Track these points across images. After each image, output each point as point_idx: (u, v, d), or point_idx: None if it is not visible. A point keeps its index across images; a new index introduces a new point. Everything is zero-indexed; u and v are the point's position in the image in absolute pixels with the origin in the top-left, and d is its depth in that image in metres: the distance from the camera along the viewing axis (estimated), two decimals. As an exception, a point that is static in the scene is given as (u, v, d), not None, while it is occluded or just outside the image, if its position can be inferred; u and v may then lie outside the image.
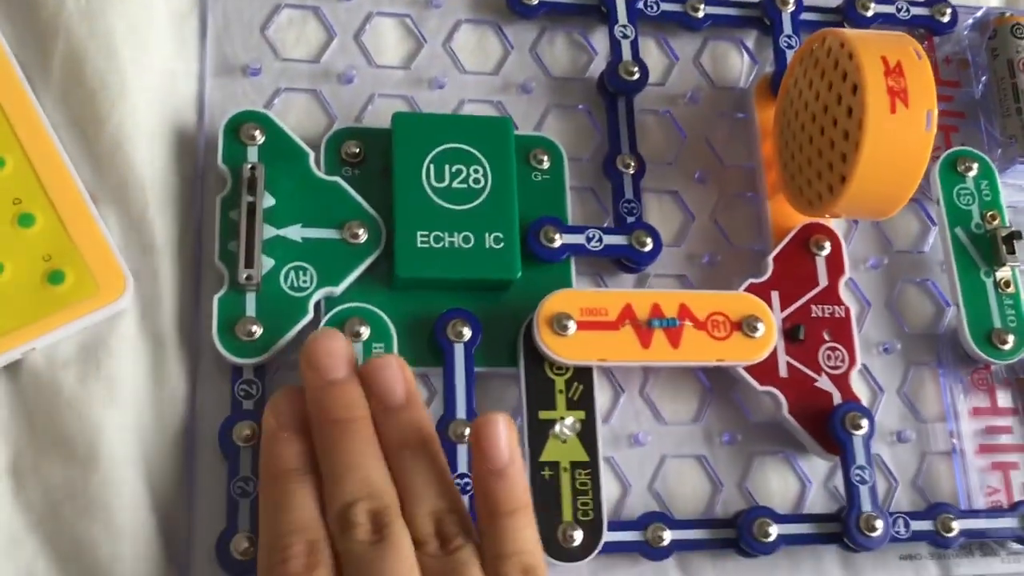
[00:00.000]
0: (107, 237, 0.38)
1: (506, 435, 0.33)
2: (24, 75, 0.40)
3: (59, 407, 0.37)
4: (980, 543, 0.45)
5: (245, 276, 0.38)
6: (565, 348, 0.40)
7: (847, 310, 0.44)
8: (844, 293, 0.45)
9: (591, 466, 0.40)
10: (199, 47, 0.44)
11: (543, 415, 0.40)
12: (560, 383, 0.40)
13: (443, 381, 0.40)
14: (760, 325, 0.41)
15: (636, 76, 0.46)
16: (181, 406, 0.39)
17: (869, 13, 0.49)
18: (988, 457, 0.46)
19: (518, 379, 0.40)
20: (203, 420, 0.39)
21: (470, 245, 0.41)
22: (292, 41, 0.45)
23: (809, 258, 0.45)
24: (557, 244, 0.42)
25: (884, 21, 0.50)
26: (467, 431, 0.39)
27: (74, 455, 0.37)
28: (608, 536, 0.39)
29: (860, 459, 0.42)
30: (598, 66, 0.48)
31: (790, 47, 0.48)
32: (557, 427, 0.40)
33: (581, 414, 0.40)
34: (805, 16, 0.49)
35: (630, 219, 0.44)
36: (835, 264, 0.45)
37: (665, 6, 0.48)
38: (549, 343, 0.40)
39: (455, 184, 0.41)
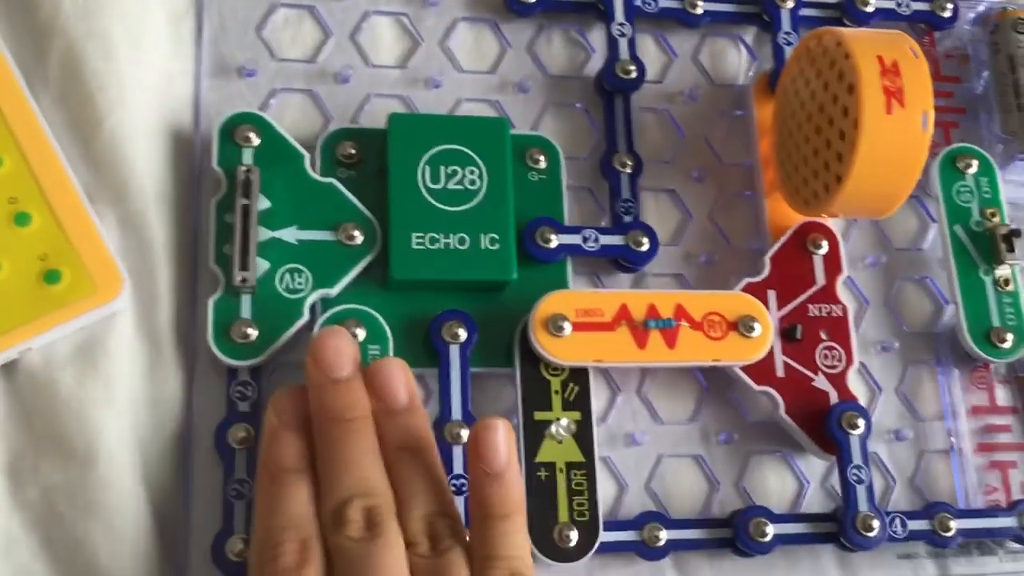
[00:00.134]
0: (104, 237, 0.39)
1: (505, 439, 0.33)
2: (22, 75, 0.40)
3: (56, 407, 0.37)
4: (978, 542, 0.45)
5: (240, 279, 0.38)
6: (561, 349, 0.40)
7: (844, 309, 0.44)
8: (842, 292, 0.45)
9: (587, 467, 0.40)
10: (195, 48, 0.44)
11: (539, 416, 0.40)
12: (556, 384, 0.41)
13: (439, 382, 0.40)
14: (756, 325, 0.41)
15: (633, 74, 0.46)
16: (177, 407, 0.39)
17: (869, 8, 0.49)
18: (986, 456, 0.46)
19: (514, 380, 0.40)
20: (199, 422, 0.39)
21: (466, 246, 0.41)
22: (288, 41, 0.45)
23: (806, 257, 0.45)
24: (553, 245, 0.42)
25: (884, 17, 0.50)
26: (463, 432, 0.39)
27: (71, 455, 0.37)
28: (604, 536, 0.39)
29: (856, 459, 0.42)
30: (595, 64, 0.47)
31: (789, 44, 0.48)
32: (553, 428, 0.40)
33: (577, 415, 0.40)
34: (804, 12, 0.49)
35: (627, 219, 0.44)
36: (832, 263, 0.45)
37: (663, 3, 0.48)
38: (545, 344, 0.40)
39: (451, 185, 0.41)
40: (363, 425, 0.34)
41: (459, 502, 0.38)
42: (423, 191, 0.41)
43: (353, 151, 0.42)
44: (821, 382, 0.43)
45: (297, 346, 0.40)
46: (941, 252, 0.47)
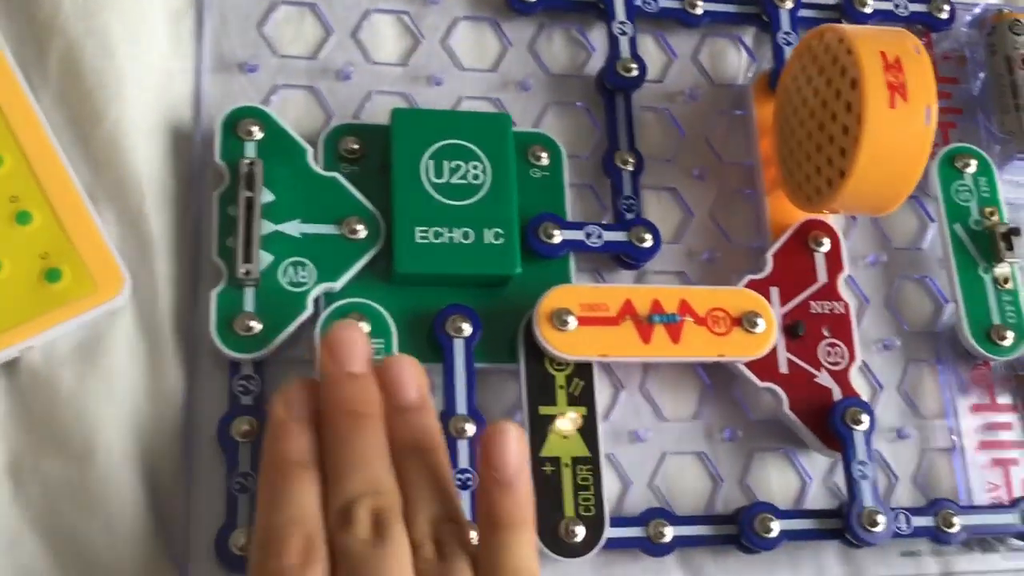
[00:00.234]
0: (104, 234, 0.38)
1: (517, 446, 0.32)
2: (22, 73, 0.39)
3: (57, 404, 0.37)
4: (980, 539, 0.45)
5: (244, 271, 0.38)
6: (565, 343, 0.40)
7: (846, 306, 0.44)
8: (843, 289, 0.45)
9: (592, 461, 0.40)
10: (196, 44, 0.44)
11: (543, 411, 0.40)
12: (560, 379, 0.40)
13: (443, 377, 0.40)
14: (760, 321, 0.41)
15: (634, 73, 0.46)
16: (179, 402, 0.39)
17: (867, 10, 0.49)
18: (988, 453, 0.46)
19: (518, 375, 0.40)
20: (201, 416, 0.39)
21: (470, 241, 0.41)
22: (289, 38, 0.45)
23: (808, 255, 0.45)
24: (557, 240, 0.42)
25: (883, 17, 0.50)
26: (468, 426, 0.39)
27: (72, 452, 0.37)
28: (610, 532, 0.39)
29: (861, 454, 0.42)
30: (596, 63, 0.48)
31: (788, 44, 0.48)
32: (558, 422, 0.39)
33: (582, 409, 0.40)
34: (803, 13, 0.49)
35: (629, 216, 0.44)
36: (834, 260, 0.45)
37: (663, 3, 0.48)
38: (549, 338, 0.39)
39: (454, 180, 0.41)
40: (374, 422, 0.33)
41: (464, 496, 0.38)
42: (427, 185, 0.41)
43: (356, 146, 0.42)
44: (824, 378, 0.43)
45: (300, 340, 0.40)
46: (941, 251, 0.47)
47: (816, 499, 0.44)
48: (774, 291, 0.44)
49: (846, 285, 0.45)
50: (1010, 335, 0.45)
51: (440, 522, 0.32)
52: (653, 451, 0.43)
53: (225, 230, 0.39)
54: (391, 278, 0.41)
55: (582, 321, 0.40)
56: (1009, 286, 0.46)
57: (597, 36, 0.48)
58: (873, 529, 0.41)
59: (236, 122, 0.41)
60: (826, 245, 0.45)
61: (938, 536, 0.43)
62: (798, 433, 0.43)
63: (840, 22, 0.50)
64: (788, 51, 0.48)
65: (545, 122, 0.46)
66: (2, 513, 0.36)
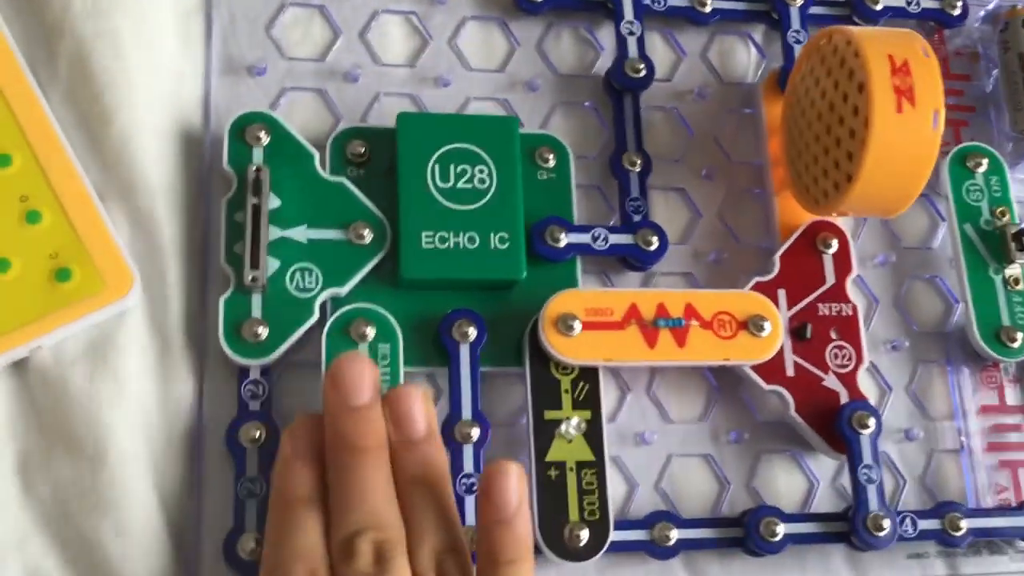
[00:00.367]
0: (114, 235, 0.39)
1: (516, 485, 0.32)
2: (31, 73, 0.40)
3: (67, 405, 0.37)
4: (988, 542, 0.45)
5: (251, 277, 0.39)
6: (571, 348, 0.40)
7: (854, 308, 0.44)
8: (851, 291, 0.45)
9: (597, 465, 0.40)
10: (204, 46, 0.44)
11: (549, 415, 0.40)
12: (566, 383, 0.41)
13: (448, 381, 0.40)
14: (766, 324, 0.41)
15: (642, 73, 0.46)
16: (188, 405, 0.39)
17: (878, 7, 0.49)
18: (996, 455, 0.46)
19: (524, 379, 0.40)
20: (210, 420, 0.39)
21: (475, 245, 0.41)
22: (297, 40, 0.45)
23: (816, 256, 0.45)
24: (563, 244, 0.42)
25: (894, 14, 0.50)
26: (473, 431, 0.39)
27: (82, 453, 0.37)
28: (615, 535, 0.39)
29: (867, 458, 0.42)
30: (604, 63, 0.47)
31: (798, 42, 0.48)
32: (563, 427, 0.40)
33: (587, 414, 0.40)
34: (813, 11, 0.49)
35: (636, 218, 0.44)
36: (842, 262, 0.45)
37: (672, 1, 0.47)
38: (555, 343, 0.40)
39: (460, 184, 0.41)
40: (378, 455, 0.33)
41: (468, 501, 0.38)
42: (432, 190, 0.41)
43: (362, 150, 0.42)
44: (831, 381, 0.43)
45: (307, 345, 0.40)
46: (951, 251, 0.47)
47: (823, 501, 0.44)
48: (781, 293, 0.44)
49: (855, 285, 0.45)
50: (1020, 336, 0.45)
51: (443, 553, 0.33)
52: (659, 453, 0.43)
53: (233, 236, 0.40)
54: (397, 283, 0.41)
55: (587, 326, 0.40)
56: (1020, 287, 0.46)
57: (605, 35, 0.48)
58: (879, 533, 0.41)
59: (244, 128, 0.41)
60: (834, 246, 0.45)
61: (945, 539, 0.43)
62: (804, 436, 0.43)
63: (851, 19, 0.49)
64: (798, 49, 0.47)
65: (553, 122, 0.46)
66: (11, 513, 0.36)
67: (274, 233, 0.40)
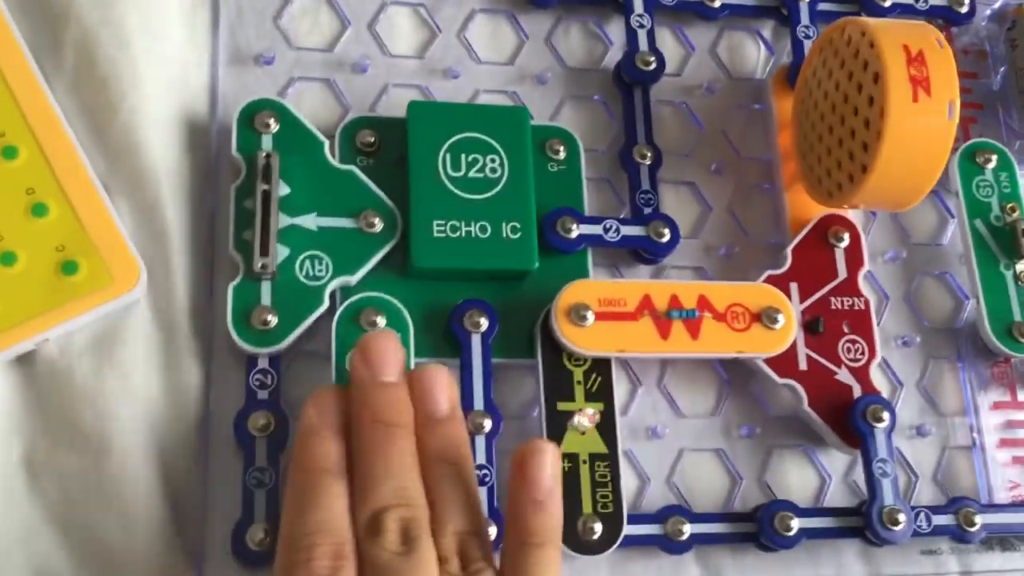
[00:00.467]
0: (120, 227, 0.38)
1: (552, 466, 0.32)
2: (36, 64, 0.39)
3: (73, 398, 0.37)
4: (1000, 538, 0.44)
5: (260, 265, 0.38)
6: (584, 339, 0.39)
7: (866, 302, 0.44)
8: (863, 285, 0.44)
9: (610, 458, 0.39)
10: (211, 36, 0.43)
11: (561, 406, 0.39)
12: (578, 374, 0.40)
13: (460, 372, 0.39)
14: (780, 316, 0.41)
15: (652, 66, 0.45)
16: (195, 396, 0.39)
17: (887, 3, 0.49)
18: (1009, 451, 0.46)
19: (536, 370, 0.40)
20: (218, 410, 0.38)
21: (487, 235, 0.40)
22: (306, 30, 0.45)
23: (828, 250, 0.45)
24: (574, 235, 0.42)
25: (902, 11, 0.50)
26: (485, 422, 0.39)
27: (88, 445, 0.36)
28: (627, 529, 0.39)
29: (882, 452, 0.41)
30: (614, 56, 0.47)
31: (807, 37, 0.48)
32: (575, 418, 0.39)
33: (600, 405, 0.40)
34: (823, 7, 0.49)
35: (647, 210, 0.44)
36: (854, 256, 0.45)
37: (682, -4, 0.47)
38: (567, 334, 0.39)
39: (471, 173, 0.41)
40: (405, 432, 0.33)
41: (482, 492, 0.38)
42: (444, 179, 0.41)
43: (372, 139, 0.42)
44: (844, 375, 0.43)
45: (317, 334, 0.39)
46: (961, 247, 0.47)
47: (836, 496, 0.43)
48: (793, 287, 0.44)
49: (866, 281, 0.45)
50: (1031, 332, 0.45)
51: (466, 535, 0.32)
52: (671, 448, 0.43)
53: (241, 223, 0.39)
54: (408, 272, 0.40)
55: (600, 316, 0.39)
56: (1030, 283, 0.46)
57: (615, 29, 0.48)
58: (894, 528, 0.40)
59: (253, 114, 0.40)
60: (846, 240, 0.45)
61: (959, 535, 0.42)
62: (817, 430, 0.43)
63: (860, 15, 0.49)
64: (807, 44, 0.47)
65: (562, 116, 0.46)
66: (17, 506, 0.36)
67: (284, 221, 0.39)
